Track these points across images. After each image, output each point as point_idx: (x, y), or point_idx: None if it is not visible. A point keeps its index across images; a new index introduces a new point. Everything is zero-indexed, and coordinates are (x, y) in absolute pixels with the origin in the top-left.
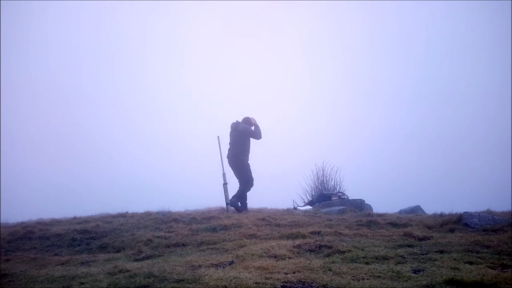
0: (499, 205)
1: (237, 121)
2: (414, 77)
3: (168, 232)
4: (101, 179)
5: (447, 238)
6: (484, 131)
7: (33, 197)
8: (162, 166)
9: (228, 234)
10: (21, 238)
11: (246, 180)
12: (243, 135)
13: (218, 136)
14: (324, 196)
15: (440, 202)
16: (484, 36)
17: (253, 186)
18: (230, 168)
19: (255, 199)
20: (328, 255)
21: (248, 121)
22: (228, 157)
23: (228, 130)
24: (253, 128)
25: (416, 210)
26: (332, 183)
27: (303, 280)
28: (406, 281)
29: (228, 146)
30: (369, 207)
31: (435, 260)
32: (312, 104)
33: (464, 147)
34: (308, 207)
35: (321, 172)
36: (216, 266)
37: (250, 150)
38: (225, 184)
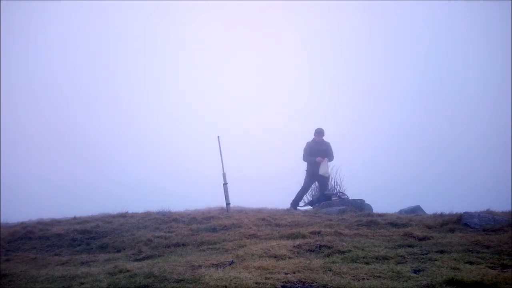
0: (499, 205)
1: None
2: (414, 77)
3: (168, 232)
4: (101, 179)
5: (447, 238)
6: (484, 131)
7: (33, 197)
8: (162, 166)
9: (228, 234)
10: (21, 238)
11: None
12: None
13: (218, 136)
14: (324, 196)
15: (440, 202)
16: (484, 36)
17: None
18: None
19: (255, 199)
20: (328, 255)
21: (318, 133)
22: None
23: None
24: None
25: (416, 210)
26: (332, 183)
27: (303, 280)
28: (406, 281)
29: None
30: (369, 207)
31: (435, 260)
32: (312, 103)
33: (464, 147)
34: (308, 207)
35: None
36: (216, 266)
37: (308, 163)
38: (225, 184)
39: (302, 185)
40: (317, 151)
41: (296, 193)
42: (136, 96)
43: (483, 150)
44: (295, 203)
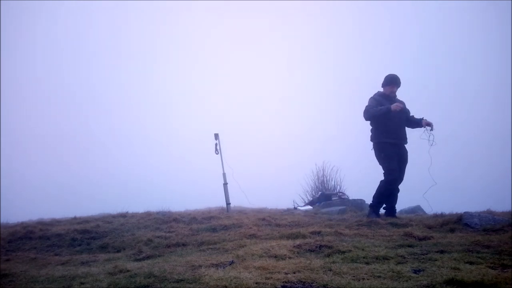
0: (499, 205)
1: None
2: (414, 75)
3: (168, 232)
4: (102, 179)
5: (447, 238)
6: (484, 130)
7: (33, 197)
8: (162, 166)
9: (228, 234)
10: (21, 238)
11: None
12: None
13: (216, 134)
14: (325, 196)
15: (440, 202)
16: (484, 36)
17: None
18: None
19: (255, 199)
20: (328, 255)
21: (391, 82)
22: None
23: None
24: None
25: (416, 210)
26: (333, 183)
27: (303, 280)
28: (407, 281)
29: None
30: None
31: (436, 260)
32: (312, 103)
33: (464, 147)
34: (309, 207)
35: (321, 172)
36: (216, 266)
37: (379, 129)
38: (225, 184)
39: (383, 172)
40: None
41: (377, 188)
42: (135, 94)
43: (483, 150)
44: (376, 206)
